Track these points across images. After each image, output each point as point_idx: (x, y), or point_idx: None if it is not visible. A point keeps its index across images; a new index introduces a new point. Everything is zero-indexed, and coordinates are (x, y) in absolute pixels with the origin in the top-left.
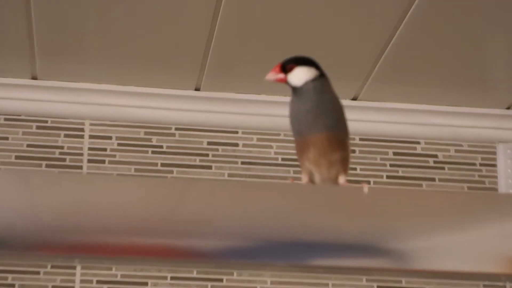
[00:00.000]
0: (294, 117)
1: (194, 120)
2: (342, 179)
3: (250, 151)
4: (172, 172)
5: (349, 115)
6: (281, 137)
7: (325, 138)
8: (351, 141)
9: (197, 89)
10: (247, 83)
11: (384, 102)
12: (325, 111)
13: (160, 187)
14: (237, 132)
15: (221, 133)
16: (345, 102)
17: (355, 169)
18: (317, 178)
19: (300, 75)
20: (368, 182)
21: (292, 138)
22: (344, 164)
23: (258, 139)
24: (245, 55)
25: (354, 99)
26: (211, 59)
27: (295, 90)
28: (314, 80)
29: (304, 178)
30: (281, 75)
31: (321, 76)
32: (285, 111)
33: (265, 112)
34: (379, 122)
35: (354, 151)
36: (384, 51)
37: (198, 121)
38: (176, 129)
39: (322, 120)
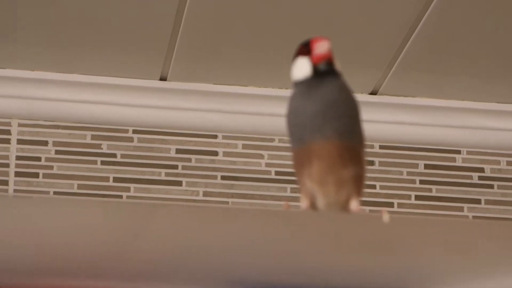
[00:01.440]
0: (295, 118)
1: (158, 119)
2: (354, 204)
3: (233, 162)
4: (128, 189)
5: (366, 114)
6: (275, 143)
7: (335, 148)
8: (369, 150)
9: (162, 79)
10: (229, 71)
11: (412, 97)
12: (338, 112)
13: (113, 213)
14: (216, 137)
15: (194, 137)
16: (361, 97)
17: (373, 187)
18: (321, 201)
19: (337, 61)
20: (390, 206)
21: (290, 146)
22: (357, 184)
23: (244, 146)
24: (225, 34)
25: (373, 93)
26: (181, 38)
27: (308, 81)
28: (337, 71)
29: (304, 202)
30: (331, 52)
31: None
32: (281, 108)
33: (254, 109)
34: (406, 123)
35: (372, 163)
36: (411, 33)
37: (164, 122)
38: (135, 131)
39: (332, 123)
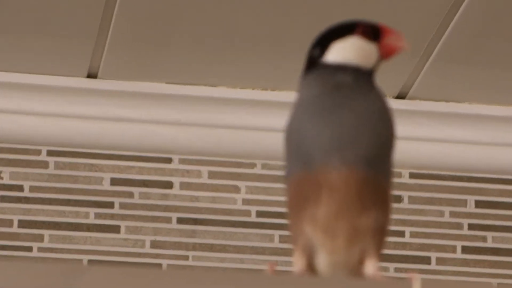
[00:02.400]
0: (303, 130)
1: (85, 135)
2: (371, 267)
3: (195, 198)
4: (41, 238)
5: None
6: (257, 170)
7: (356, 181)
8: (395, 179)
9: (91, 76)
10: (188, 65)
11: (456, 102)
12: (371, 131)
13: (17, 276)
14: (170, 160)
15: (138, 161)
16: None
17: (401, 234)
18: (323, 260)
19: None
20: (426, 263)
21: (284, 173)
22: (377, 238)
23: (212, 175)
24: (179, 15)
25: (401, 97)
26: (116, 21)
27: (335, 81)
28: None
29: (299, 262)
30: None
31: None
32: (264, 118)
33: (225, 120)
34: (448, 141)
35: (399, 199)
36: (450, 19)
37: (94, 138)
38: (50, 153)
39: (360, 145)
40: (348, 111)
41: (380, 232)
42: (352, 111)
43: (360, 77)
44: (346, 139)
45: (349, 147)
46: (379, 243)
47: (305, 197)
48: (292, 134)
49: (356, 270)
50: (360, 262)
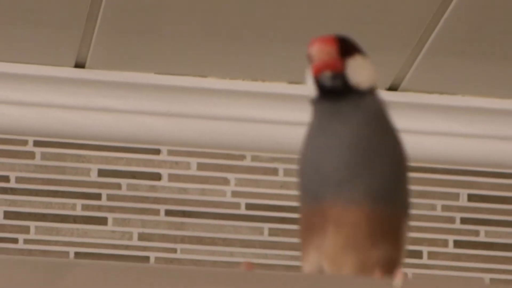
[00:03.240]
0: (310, 162)
1: (72, 125)
2: None
3: (184, 190)
4: (27, 230)
5: None
6: (247, 162)
7: (363, 217)
8: None
9: (79, 66)
10: (178, 55)
11: (450, 94)
12: (376, 163)
13: (2, 272)
14: (158, 152)
15: (126, 152)
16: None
17: None
18: None
19: (367, 71)
20: (418, 257)
21: (299, 203)
22: (390, 271)
23: (201, 166)
24: (165, 9)
25: (393, 88)
26: (106, 8)
27: (331, 99)
28: (373, 90)
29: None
30: (338, 58)
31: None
32: (256, 109)
33: (215, 111)
34: (440, 134)
35: None
36: (445, 8)
37: (81, 128)
38: (37, 143)
39: (364, 180)
40: (347, 145)
41: (392, 266)
42: (352, 145)
43: (360, 101)
44: (351, 175)
45: (354, 184)
46: (391, 275)
47: (313, 230)
48: (302, 167)
49: None
50: None
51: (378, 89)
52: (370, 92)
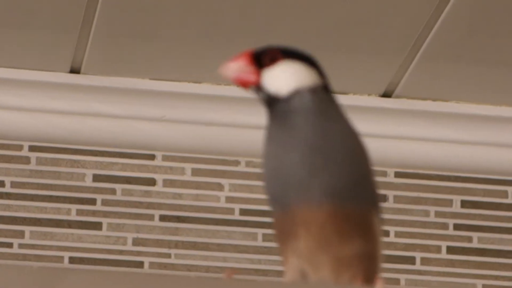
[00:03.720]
0: (270, 169)
1: (67, 131)
2: None
3: (178, 196)
4: (21, 235)
5: (375, 125)
6: (241, 168)
7: (328, 216)
8: (379, 179)
9: (74, 71)
10: (172, 61)
11: (443, 101)
12: (331, 157)
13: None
14: (153, 157)
15: (121, 158)
16: (368, 101)
17: (386, 233)
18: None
19: (286, 77)
20: (411, 263)
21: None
22: (366, 265)
23: (195, 172)
24: (165, 7)
25: (387, 95)
26: (101, 12)
27: (273, 106)
28: (312, 91)
29: (290, 277)
30: (251, 72)
31: (324, 87)
32: (250, 115)
33: (210, 117)
34: (434, 140)
35: (384, 199)
36: (439, 13)
37: (76, 134)
38: (32, 148)
39: (321, 179)
40: (298, 146)
41: (369, 259)
42: (301, 146)
43: (310, 102)
44: (307, 176)
45: (312, 184)
46: (370, 269)
47: (286, 233)
48: (264, 175)
49: None
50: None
51: (315, 88)
52: (302, 94)
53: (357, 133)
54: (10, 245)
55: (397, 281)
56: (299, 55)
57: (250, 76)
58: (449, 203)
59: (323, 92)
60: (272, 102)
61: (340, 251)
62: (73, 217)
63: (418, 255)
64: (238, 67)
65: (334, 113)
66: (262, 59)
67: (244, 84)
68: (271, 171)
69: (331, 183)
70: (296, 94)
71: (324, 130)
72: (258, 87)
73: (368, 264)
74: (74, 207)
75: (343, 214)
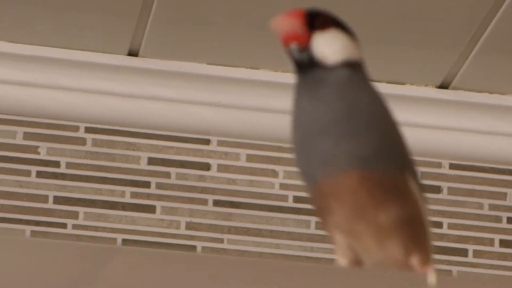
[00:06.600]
0: (297, 136)
1: (124, 113)
2: (416, 261)
3: (232, 181)
4: (75, 215)
5: (431, 117)
6: None
7: (358, 183)
8: (434, 170)
9: (132, 54)
10: (230, 46)
11: (501, 94)
12: (356, 125)
13: (50, 256)
14: (208, 142)
15: (176, 142)
16: (424, 92)
17: (439, 225)
18: (366, 259)
19: (336, 46)
20: (463, 255)
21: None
22: (409, 230)
23: (250, 158)
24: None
25: (443, 86)
26: (159, 1)
27: (308, 72)
28: (354, 66)
29: (343, 258)
30: (303, 31)
31: (359, 63)
32: None
33: (266, 103)
34: (490, 133)
35: (438, 190)
36: (493, 16)
37: (132, 117)
38: (88, 130)
39: (348, 145)
40: (324, 114)
41: (410, 224)
42: (328, 113)
43: (349, 74)
44: (334, 144)
45: (339, 151)
46: (416, 235)
47: (323, 211)
48: (293, 150)
49: (403, 265)
50: (403, 257)
51: (358, 63)
52: (342, 67)
53: (387, 107)
54: (64, 226)
55: (449, 273)
56: (348, 27)
57: (302, 36)
58: (503, 196)
59: (361, 69)
60: (309, 67)
61: (377, 217)
62: (127, 199)
63: (470, 247)
64: (290, 24)
65: (368, 88)
66: (314, 21)
67: (291, 41)
68: (298, 145)
69: (358, 150)
70: (340, 65)
71: (353, 102)
72: (303, 48)
73: (411, 230)
74: (128, 189)
75: (373, 179)
